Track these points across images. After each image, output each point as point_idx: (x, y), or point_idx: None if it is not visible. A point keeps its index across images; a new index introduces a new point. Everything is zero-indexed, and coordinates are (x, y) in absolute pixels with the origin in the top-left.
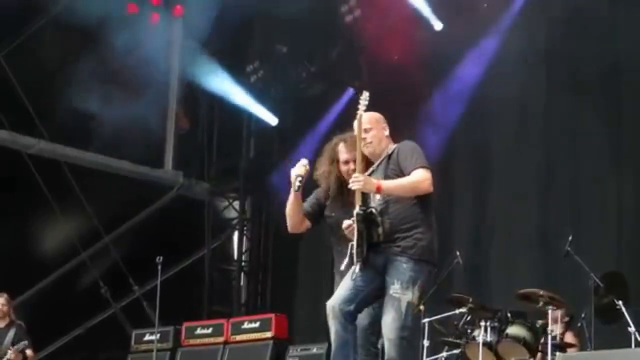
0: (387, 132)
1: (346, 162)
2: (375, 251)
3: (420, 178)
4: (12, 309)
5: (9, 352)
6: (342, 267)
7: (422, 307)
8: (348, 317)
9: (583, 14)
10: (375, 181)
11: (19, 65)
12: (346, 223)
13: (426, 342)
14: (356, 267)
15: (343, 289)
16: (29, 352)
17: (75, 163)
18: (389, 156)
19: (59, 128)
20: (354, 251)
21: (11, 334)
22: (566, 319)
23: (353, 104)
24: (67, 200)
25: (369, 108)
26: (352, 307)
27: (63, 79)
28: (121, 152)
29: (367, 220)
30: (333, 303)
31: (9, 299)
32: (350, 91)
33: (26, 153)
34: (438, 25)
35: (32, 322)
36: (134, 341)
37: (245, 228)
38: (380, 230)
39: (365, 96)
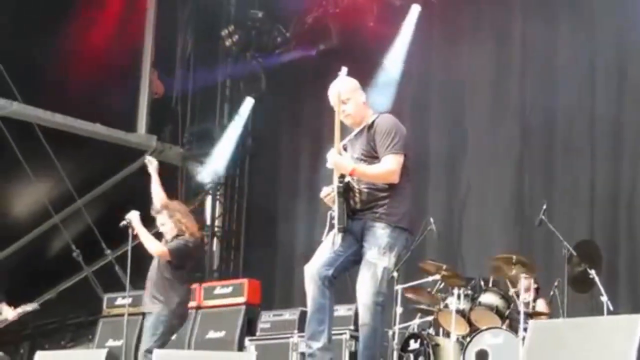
0: (364, 99)
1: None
2: (353, 218)
3: (387, 168)
4: None
5: None
6: (323, 236)
7: (395, 274)
8: (326, 282)
9: None
10: (350, 164)
11: None
12: (325, 191)
13: (399, 309)
14: (336, 234)
15: (322, 253)
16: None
17: (48, 126)
18: (369, 129)
19: (32, 90)
20: (335, 220)
21: None
22: (535, 286)
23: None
24: (39, 164)
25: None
26: (330, 272)
27: (38, 40)
28: (95, 116)
29: (346, 192)
30: (311, 267)
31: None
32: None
33: None
34: None
35: (2, 285)
36: (106, 305)
37: (218, 193)
38: (357, 198)
39: (343, 72)
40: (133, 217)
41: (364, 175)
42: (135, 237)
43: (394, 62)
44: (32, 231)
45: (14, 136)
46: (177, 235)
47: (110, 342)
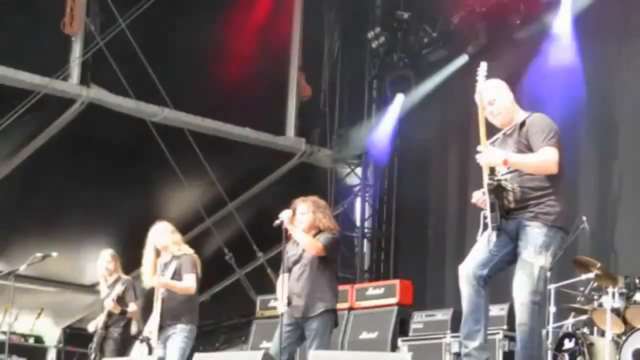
0: (512, 98)
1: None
2: (507, 217)
3: (547, 158)
4: (119, 264)
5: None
6: (478, 236)
7: (548, 273)
8: (481, 282)
9: None
10: (501, 155)
11: (143, 34)
12: (476, 196)
13: (553, 308)
14: (491, 234)
15: (476, 253)
16: (132, 305)
17: (198, 131)
18: (520, 127)
19: (182, 96)
20: (488, 220)
21: (117, 289)
22: None
23: (467, 70)
24: (191, 169)
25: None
26: (485, 272)
27: (186, 47)
28: (243, 120)
29: (497, 191)
30: (466, 267)
31: (115, 255)
32: (464, 57)
33: (151, 121)
34: None
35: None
36: (259, 307)
37: (367, 195)
38: (511, 197)
39: (482, 67)
40: (286, 216)
41: (521, 164)
42: (288, 237)
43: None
44: (185, 235)
45: (165, 142)
46: (319, 231)
47: (264, 344)
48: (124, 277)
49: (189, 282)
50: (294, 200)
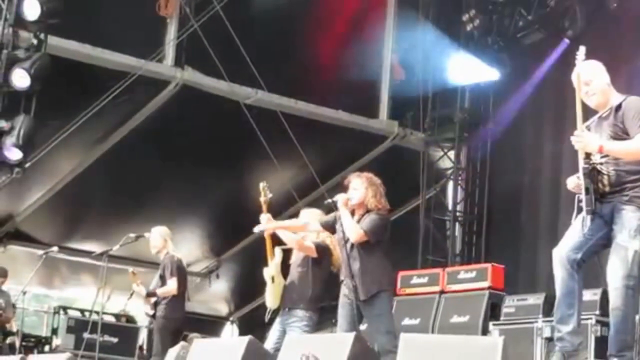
0: (608, 80)
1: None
2: (602, 201)
3: None
4: (170, 240)
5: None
6: (573, 219)
7: None
8: (575, 265)
9: None
10: (597, 141)
11: (238, 16)
12: (571, 182)
13: None
14: (585, 218)
15: (570, 237)
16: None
17: (291, 113)
18: (616, 110)
19: (275, 78)
20: (582, 203)
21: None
22: None
23: (567, 55)
24: (283, 151)
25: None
26: (579, 256)
27: (280, 29)
28: (336, 102)
29: (592, 174)
30: (560, 251)
31: (166, 232)
32: (565, 42)
33: (244, 103)
34: None
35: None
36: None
37: (459, 178)
38: (606, 181)
39: (581, 51)
40: (341, 198)
41: (616, 151)
42: None
43: None
44: (277, 217)
45: (258, 124)
46: (367, 211)
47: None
48: (170, 254)
49: None
50: (349, 175)
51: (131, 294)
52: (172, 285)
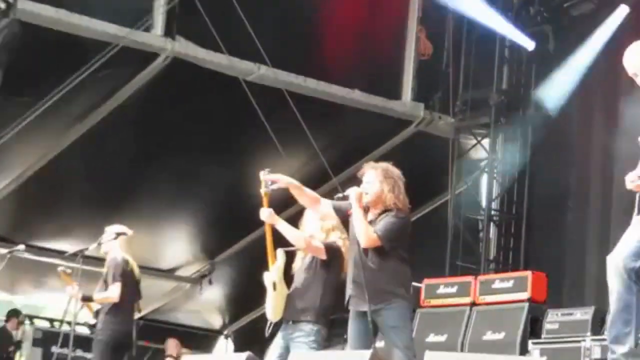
0: None
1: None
2: None
3: None
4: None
5: None
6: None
7: None
8: (632, 275)
9: None
10: None
11: None
12: (630, 180)
13: None
14: None
15: (628, 241)
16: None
17: (300, 92)
18: None
19: (282, 53)
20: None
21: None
22: None
23: (625, 27)
24: (289, 136)
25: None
26: (638, 264)
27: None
28: (352, 81)
29: None
30: (616, 258)
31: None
32: (624, 9)
33: (244, 80)
34: None
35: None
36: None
37: (495, 171)
38: None
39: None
40: (354, 192)
41: None
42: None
43: None
44: (281, 213)
45: (261, 104)
46: (384, 211)
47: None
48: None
49: None
50: (364, 165)
51: (69, 300)
52: (113, 292)
